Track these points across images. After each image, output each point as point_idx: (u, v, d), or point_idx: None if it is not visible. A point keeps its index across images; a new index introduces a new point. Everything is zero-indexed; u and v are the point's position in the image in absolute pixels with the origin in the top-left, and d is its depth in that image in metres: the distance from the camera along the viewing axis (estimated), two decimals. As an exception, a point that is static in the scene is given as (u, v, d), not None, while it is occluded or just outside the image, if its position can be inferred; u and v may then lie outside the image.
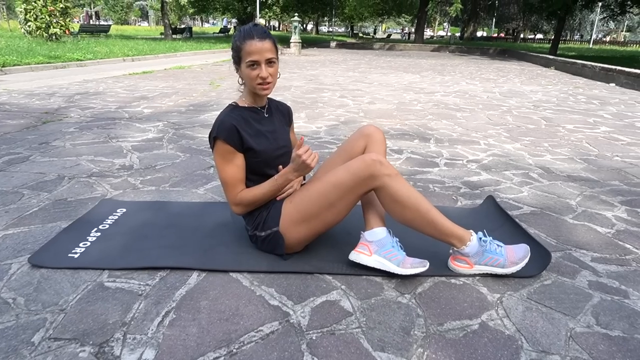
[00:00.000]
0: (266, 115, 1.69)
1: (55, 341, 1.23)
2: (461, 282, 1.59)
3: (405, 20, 53.69)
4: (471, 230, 1.62)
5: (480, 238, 1.60)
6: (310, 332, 1.30)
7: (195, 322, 1.33)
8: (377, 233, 1.58)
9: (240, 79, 1.62)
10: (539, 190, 2.58)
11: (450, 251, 1.63)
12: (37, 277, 1.54)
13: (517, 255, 1.61)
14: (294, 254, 1.72)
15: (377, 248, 1.57)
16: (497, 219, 2.06)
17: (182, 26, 32.01)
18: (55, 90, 6.05)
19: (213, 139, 1.57)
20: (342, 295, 1.49)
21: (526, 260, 1.60)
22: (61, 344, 1.22)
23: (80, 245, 1.74)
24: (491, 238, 1.64)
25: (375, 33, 50.15)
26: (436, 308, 1.43)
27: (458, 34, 39.13)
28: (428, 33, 56.76)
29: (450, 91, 7.13)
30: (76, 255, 1.66)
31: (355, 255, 1.60)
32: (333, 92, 6.67)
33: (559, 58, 13.53)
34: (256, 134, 1.62)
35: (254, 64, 1.51)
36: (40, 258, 1.63)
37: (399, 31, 64.41)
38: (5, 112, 4.44)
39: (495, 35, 49.24)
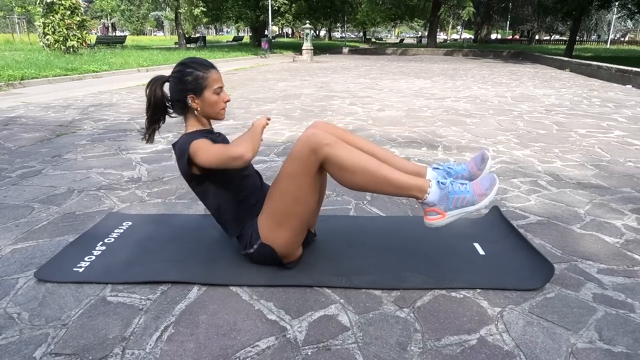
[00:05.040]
0: (218, 135, 1.76)
1: (56, 356, 1.26)
2: (462, 296, 1.57)
3: (418, 25, 53.53)
4: (428, 177, 1.58)
5: (439, 181, 1.52)
6: (306, 348, 1.30)
7: (193, 337, 1.34)
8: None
9: (195, 109, 1.65)
10: (547, 199, 2.54)
11: (416, 206, 1.59)
12: (42, 291, 1.57)
13: (483, 186, 1.49)
14: (297, 263, 1.73)
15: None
16: (502, 231, 2.03)
17: (197, 35, 32.46)
18: (71, 102, 6.20)
19: (189, 145, 1.56)
20: (340, 310, 1.49)
21: (495, 187, 1.47)
22: (61, 359, 1.25)
23: (86, 259, 1.77)
24: (451, 179, 1.55)
25: (364, 37, 48.48)
26: (434, 322, 1.42)
27: (472, 36, 38.83)
28: (442, 37, 56.51)
29: (461, 96, 7.08)
30: (81, 270, 1.69)
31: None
32: (343, 99, 6.68)
33: (574, 60, 13.33)
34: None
35: (220, 90, 1.65)
36: (46, 272, 1.67)
37: (412, 35, 64.11)
38: (21, 125, 4.56)
39: (510, 37, 48.73)
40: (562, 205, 2.45)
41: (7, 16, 28.93)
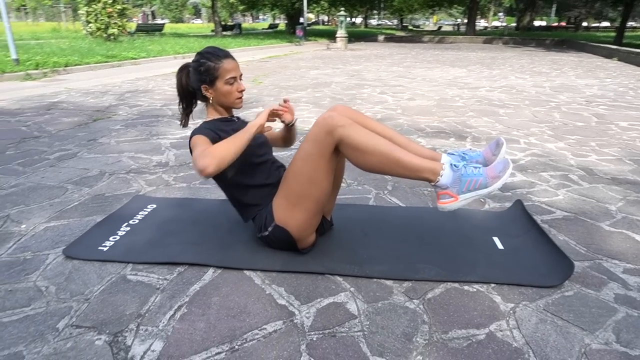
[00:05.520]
0: (236, 121, 1.79)
1: (76, 328, 1.33)
2: (474, 290, 1.55)
3: (458, 12, 51.90)
4: (442, 161, 1.56)
5: (452, 164, 1.52)
6: (312, 333, 1.32)
7: (204, 317, 1.39)
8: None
9: (209, 98, 1.71)
10: (577, 194, 2.45)
11: (430, 188, 1.58)
12: (69, 267, 1.67)
13: (496, 169, 1.48)
14: (311, 249, 1.76)
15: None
16: (523, 225, 1.98)
17: (233, 22, 32.80)
18: (109, 88, 6.43)
19: (190, 139, 1.61)
20: (349, 298, 1.50)
21: (509, 170, 1.46)
22: (81, 331, 1.32)
23: (110, 239, 1.86)
24: (465, 162, 1.54)
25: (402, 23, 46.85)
26: (443, 315, 1.41)
27: (514, 24, 37.35)
28: (482, 24, 54.63)
29: (497, 86, 6.85)
30: (105, 249, 1.78)
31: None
32: (373, 88, 6.61)
33: (624, 48, 12.60)
34: (230, 132, 1.65)
35: (233, 80, 1.66)
36: (74, 250, 1.76)
37: (451, 22, 62.17)
38: (62, 110, 4.78)
39: (556, 24, 46.49)
40: (592, 201, 2.36)
41: (54, 5, 30.15)
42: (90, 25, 14.63)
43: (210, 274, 1.63)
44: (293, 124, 1.83)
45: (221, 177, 1.71)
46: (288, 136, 1.93)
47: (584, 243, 1.90)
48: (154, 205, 2.21)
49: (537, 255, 1.73)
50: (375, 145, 1.49)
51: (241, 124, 1.78)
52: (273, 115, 1.70)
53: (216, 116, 1.75)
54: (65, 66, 8.68)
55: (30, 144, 3.41)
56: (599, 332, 1.34)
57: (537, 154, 3.23)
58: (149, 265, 1.68)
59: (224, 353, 1.24)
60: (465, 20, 33.00)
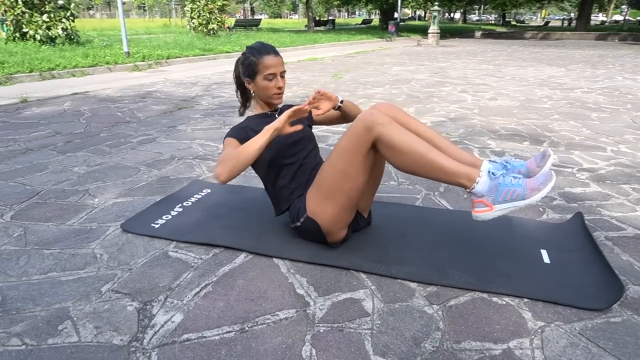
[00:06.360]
0: (277, 117, 1.81)
1: (115, 293, 1.49)
2: (503, 302, 1.45)
3: (571, 5, 47.35)
4: (481, 168, 1.46)
5: (491, 172, 1.44)
6: (320, 325, 1.34)
7: (225, 297, 1.48)
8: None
9: (251, 92, 1.80)
10: (660, 212, 2.15)
11: (465, 196, 1.49)
12: (123, 240, 1.86)
13: (537, 181, 1.39)
14: (341, 244, 1.77)
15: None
16: (579, 240, 1.79)
17: (330, 18, 33.35)
18: (199, 79, 6.92)
19: (223, 141, 1.73)
20: (367, 295, 1.49)
21: (550, 184, 1.36)
22: (119, 296, 1.48)
23: (163, 217, 2.03)
24: (504, 171, 1.45)
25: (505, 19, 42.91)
26: (461, 325, 1.35)
27: (639, 18, 33.12)
28: (599, 18, 49.33)
29: (597, 87, 6.18)
30: (157, 226, 1.95)
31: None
32: (455, 86, 6.34)
33: None
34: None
35: (272, 77, 1.70)
36: (130, 225, 1.96)
37: (561, 17, 56.80)
38: (154, 98, 5.26)
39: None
40: (677, 221, 2.06)
41: (167, 2, 33.07)
42: (193, 20, 15.81)
43: (242, 258, 1.72)
44: (340, 106, 1.84)
45: (257, 172, 1.80)
46: (346, 116, 1.90)
47: (651, 267, 1.67)
48: (209, 190, 2.37)
49: (585, 274, 1.57)
50: (412, 145, 1.47)
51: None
52: (298, 114, 1.59)
53: (259, 110, 1.83)
54: (167, 58, 9.50)
55: (121, 127, 3.81)
56: (640, 367, 1.19)
57: (624, 163, 2.88)
58: (190, 244, 1.82)
59: (234, 333, 1.31)
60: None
